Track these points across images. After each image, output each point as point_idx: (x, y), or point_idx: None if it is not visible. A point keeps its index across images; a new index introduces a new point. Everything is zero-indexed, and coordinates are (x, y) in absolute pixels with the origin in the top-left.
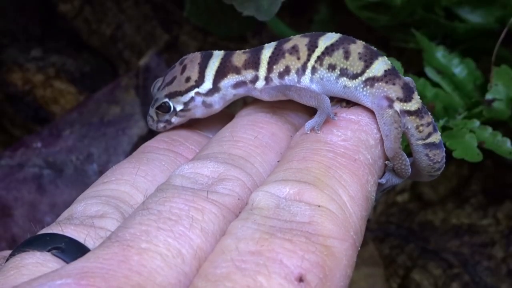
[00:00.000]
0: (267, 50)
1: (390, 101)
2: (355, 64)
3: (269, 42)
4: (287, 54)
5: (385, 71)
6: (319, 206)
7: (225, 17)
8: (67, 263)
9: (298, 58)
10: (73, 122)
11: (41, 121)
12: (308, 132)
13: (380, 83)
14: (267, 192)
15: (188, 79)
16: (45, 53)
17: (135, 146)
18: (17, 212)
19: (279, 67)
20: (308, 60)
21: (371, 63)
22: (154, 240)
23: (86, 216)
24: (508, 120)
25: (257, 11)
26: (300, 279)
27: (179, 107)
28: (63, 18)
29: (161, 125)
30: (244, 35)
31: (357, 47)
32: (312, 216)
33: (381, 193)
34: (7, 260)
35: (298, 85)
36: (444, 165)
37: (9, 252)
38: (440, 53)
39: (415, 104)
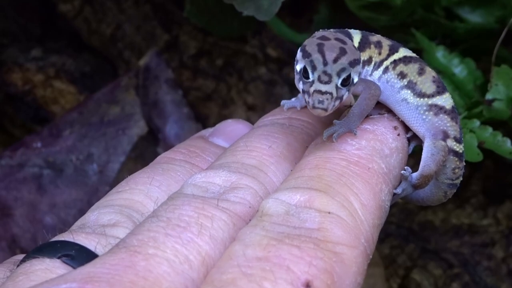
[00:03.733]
0: (357, 36)
1: (446, 136)
2: (426, 84)
3: (269, 42)
4: (372, 46)
5: (452, 107)
6: (329, 212)
7: (225, 17)
8: None
9: (379, 54)
10: (73, 122)
11: (41, 121)
12: (325, 140)
13: (445, 116)
14: (277, 199)
15: (356, 49)
16: (45, 53)
17: (135, 146)
18: (17, 212)
19: (364, 55)
20: (386, 59)
21: (443, 92)
22: (161, 246)
23: (99, 225)
24: (508, 120)
25: (257, 11)
26: (307, 285)
27: (356, 79)
28: (63, 18)
29: (337, 103)
30: (244, 35)
31: (431, 70)
32: (322, 223)
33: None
34: (18, 266)
35: (368, 77)
36: None
37: (22, 256)
38: (440, 53)
39: (462, 147)
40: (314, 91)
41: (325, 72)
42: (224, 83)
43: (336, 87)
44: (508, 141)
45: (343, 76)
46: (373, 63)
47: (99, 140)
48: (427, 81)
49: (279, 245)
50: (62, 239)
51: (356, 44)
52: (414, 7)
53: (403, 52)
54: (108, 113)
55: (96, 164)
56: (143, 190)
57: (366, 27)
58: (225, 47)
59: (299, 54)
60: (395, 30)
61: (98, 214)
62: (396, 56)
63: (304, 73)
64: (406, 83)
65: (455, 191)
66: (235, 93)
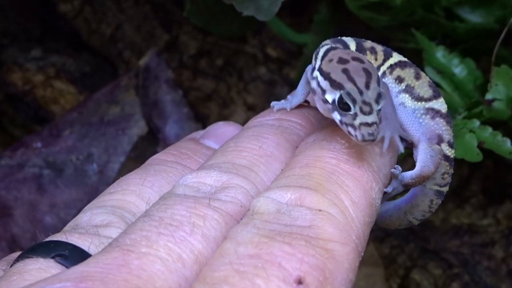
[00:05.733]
0: (352, 44)
1: (441, 140)
2: (423, 88)
3: (269, 42)
4: (368, 52)
5: (447, 111)
6: (320, 210)
7: (225, 17)
8: None
9: (376, 59)
10: (73, 122)
11: (41, 121)
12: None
13: (441, 120)
14: (268, 197)
15: (371, 63)
16: (45, 53)
17: (135, 146)
18: (17, 212)
19: None
20: (382, 64)
21: (439, 96)
22: (154, 245)
23: (91, 225)
24: (508, 120)
25: (257, 11)
26: (299, 282)
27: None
28: (63, 18)
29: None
30: (244, 35)
31: (425, 75)
32: (313, 220)
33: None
34: (11, 265)
35: None
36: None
37: (17, 254)
38: (440, 53)
39: (454, 152)
40: (360, 124)
41: (364, 102)
42: (224, 83)
43: (377, 113)
44: (508, 141)
45: (380, 101)
46: None
47: (99, 140)
48: (424, 85)
49: (271, 243)
50: (56, 239)
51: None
52: (414, 7)
53: (397, 57)
54: (108, 113)
55: (96, 164)
56: (135, 191)
57: (366, 27)
58: (225, 47)
59: (324, 83)
60: (395, 30)
61: (90, 215)
62: (391, 61)
63: (342, 105)
64: (404, 87)
65: (440, 202)
66: (235, 93)
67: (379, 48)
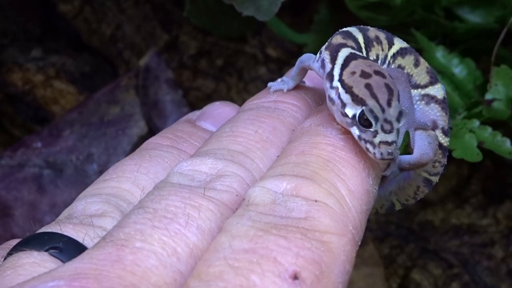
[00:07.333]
0: (359, 36)
1: (435, 126)
2: (421, 75)
3: (269, 42)
4: (375, 43)
5: (444, 97)
6: (316, 201)
7: (225, 17)
8: (64, 263)
9: (382, 50)
10: (73, 122)
11: (41, 121)
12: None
13: (436, 105)
14: (264, 187)
15: (392, 77)
16: (45, 53)
17: (135, 146)
18: (17, 212)
19: (372, 55)
20: (387, 53)
21: (436, 82)
22: (148, 239)
23: (86, 215)
24: (508, 120)
25: (257, 11)
26: (295, 277)
27: None
28: (63, 18)
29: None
30: (244, 35)
31: (425, 61)
32: (309, 212)
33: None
34: (4, 258)
35: None
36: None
37: (15, 241)
38: (440, 53)
39: (448, 141)
40: (380, 142)
41: (386, 120)
42: (224, 83)
43: (397, 131)
44: (508, 141)
45: (402, 120)
46: (379, 60)
47: (99, 140)
48: (422, 72)
49: (266, 236)
50: (50, 230)
51: (362, 44)
52: (414, 7)
53: (398, 44)
54: (108, 113)
55: (96, 164)
56: (130, 178)
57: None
58: (225, 47)
59: (346, 97)
60: (395, 30)
61: (85, 204)
62: (394, 50)
63: (363, 121)
64: None
65: (427, 191)
66: (235, 93)
67: (382, 36)
